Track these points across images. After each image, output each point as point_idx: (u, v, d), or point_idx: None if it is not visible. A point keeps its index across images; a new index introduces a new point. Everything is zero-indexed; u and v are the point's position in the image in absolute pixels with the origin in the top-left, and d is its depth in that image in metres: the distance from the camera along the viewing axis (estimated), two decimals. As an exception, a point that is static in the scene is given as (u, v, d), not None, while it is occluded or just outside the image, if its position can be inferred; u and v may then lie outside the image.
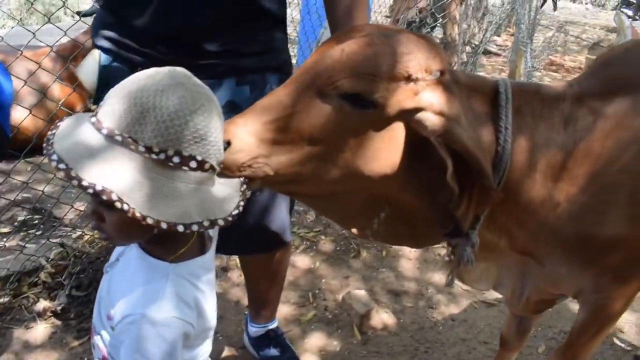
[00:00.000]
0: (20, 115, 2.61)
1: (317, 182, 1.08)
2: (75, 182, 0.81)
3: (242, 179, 1.00)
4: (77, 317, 2.17)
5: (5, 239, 2.56)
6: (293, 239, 2.83)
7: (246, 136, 1.00)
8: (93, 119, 0.86)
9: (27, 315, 2.16)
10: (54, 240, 2.47)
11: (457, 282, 1.70)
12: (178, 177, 0.86)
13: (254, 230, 1.60)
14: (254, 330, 2.02)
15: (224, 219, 0.91)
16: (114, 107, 0.84)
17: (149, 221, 0.83)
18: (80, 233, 2.60)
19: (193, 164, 0.86)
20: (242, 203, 0.96)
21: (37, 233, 2.61)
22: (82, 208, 2.67)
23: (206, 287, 1.04)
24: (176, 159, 0.84)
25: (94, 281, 2.28)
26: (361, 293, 2.39)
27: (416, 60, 1.01)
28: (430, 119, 1.03)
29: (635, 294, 1.47)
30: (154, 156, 0.83)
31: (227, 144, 0.97)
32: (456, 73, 1.18)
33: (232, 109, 1.38)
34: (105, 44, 1.37)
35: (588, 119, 1.23)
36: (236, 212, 0.93)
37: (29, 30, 1.96)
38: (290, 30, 5.24)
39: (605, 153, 1.23)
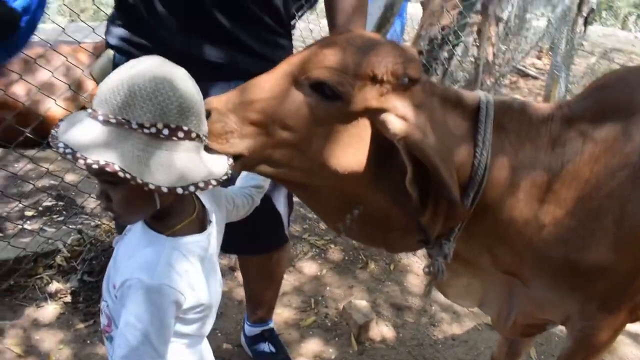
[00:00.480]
0: (50, 106, 2.74)
1: (287, 169, 1.14)
2: (81, 162, 0.92)
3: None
4: (86, 301, 2.26)
5: (28, 222, 2.68)
6: (302, 245, 2.88)
7: (225, 111, 1.09)
8: (89, 110, 0.98)
9: (39, 295, 2.26)
10: (73, 227, 2.58)
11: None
12: (170, 147, 0.97)
13: (251, 231, 1.64)
14: (250, 329, 2.06)
15: (216, 179, 1.02)
16: (105, 96, 0.96)
17: (151, 187, 0.94)
18: (98, 222, 2.71)
19: (180, 134, 0.98)
20: (229, 171, 1.07)
21: (58, 219, 2.73)
22: (103, 198, 2.78)
23: (199, 263, 1.13)
24: (165, 131, 0.96)
25: (105, 268, 2.36)
26: (362, 303, 2.40)
27: (384, 63, 1.07)
28: (393, 122, 1.08)
29: (624, 324, 1.45)
30: (146, 131, 0.95)
31: (208, 114, 1.07)
32: (435, 86, 1.21)
33: None
34: (116, 42, 1.45)
35: (577, 141, 1.23)
36: (225, 177, 1.04)
37: (60, 26, 2.07)
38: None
39: (594, 177, 1.22)
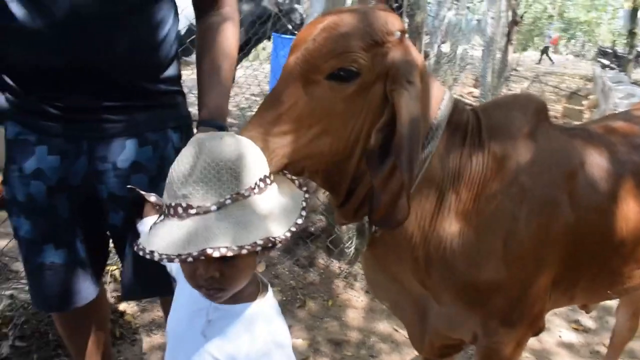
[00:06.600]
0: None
1: (321, 157, 1.22)
2: (217, 254, 0.90)
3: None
4: (17, 367, 2.22)
5: (-42, 291, 2.62)
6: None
7: (260, 138, 1.13)
8: (179, 211, 0.95)
9: (-33, 366, 2.20)
10: (4, 293, 2.53)
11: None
12: (260, 199, 0.99)
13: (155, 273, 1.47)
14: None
15: (302, 217, 1.04)
16: (190, 192, 0.95)
17: (278, 240, 0.96)
18: (32, 286, 2.66)
19: (262, 185, 1.01)
20: (304, 188, 1.12)
21: (-10, 286, 2.68)
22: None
23: None
24: (261, 185, 1.00)
25: (36, 332, 2.34)
26: (298, 342, 2.43)
27: (377, 27, 1.17)
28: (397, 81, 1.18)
29: (527, 337, 1.50)
30: (246, 194, 0.97)
31: None
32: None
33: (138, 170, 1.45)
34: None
35: (484, 155, 1.32)
36: (304, 214, 1.05)
37: None
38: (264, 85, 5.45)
39: (491, 193, 1.31)
